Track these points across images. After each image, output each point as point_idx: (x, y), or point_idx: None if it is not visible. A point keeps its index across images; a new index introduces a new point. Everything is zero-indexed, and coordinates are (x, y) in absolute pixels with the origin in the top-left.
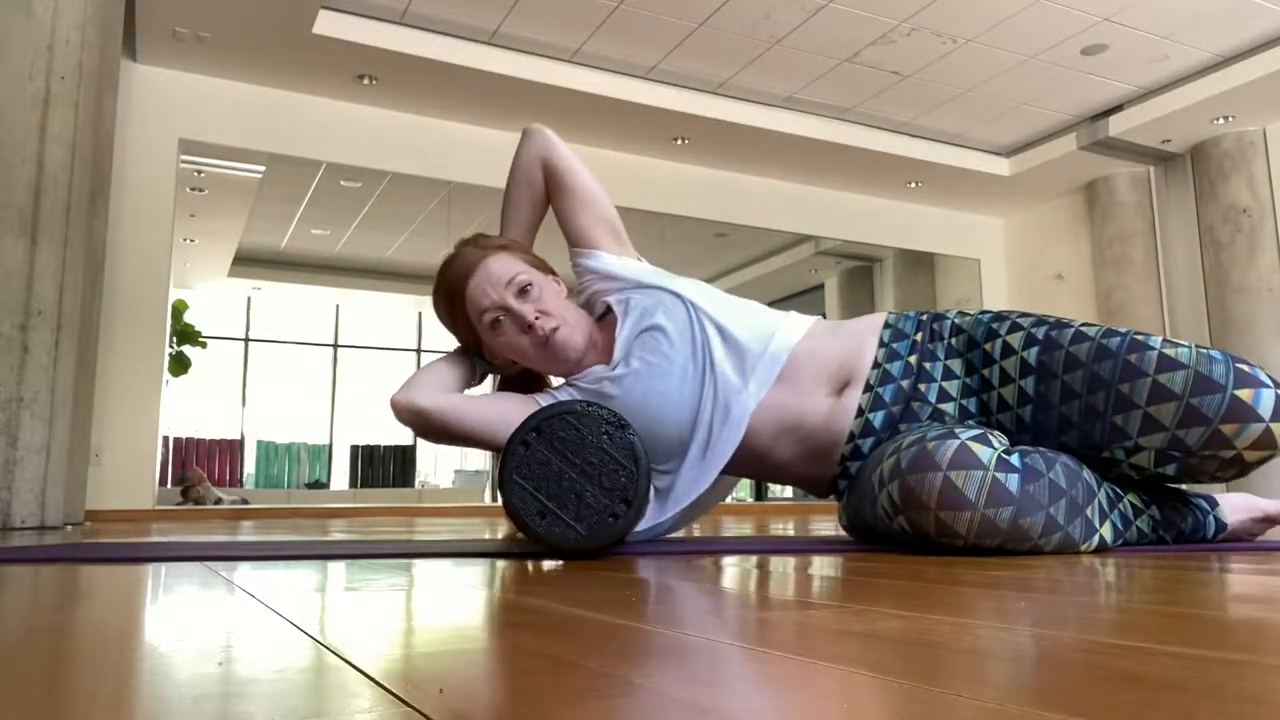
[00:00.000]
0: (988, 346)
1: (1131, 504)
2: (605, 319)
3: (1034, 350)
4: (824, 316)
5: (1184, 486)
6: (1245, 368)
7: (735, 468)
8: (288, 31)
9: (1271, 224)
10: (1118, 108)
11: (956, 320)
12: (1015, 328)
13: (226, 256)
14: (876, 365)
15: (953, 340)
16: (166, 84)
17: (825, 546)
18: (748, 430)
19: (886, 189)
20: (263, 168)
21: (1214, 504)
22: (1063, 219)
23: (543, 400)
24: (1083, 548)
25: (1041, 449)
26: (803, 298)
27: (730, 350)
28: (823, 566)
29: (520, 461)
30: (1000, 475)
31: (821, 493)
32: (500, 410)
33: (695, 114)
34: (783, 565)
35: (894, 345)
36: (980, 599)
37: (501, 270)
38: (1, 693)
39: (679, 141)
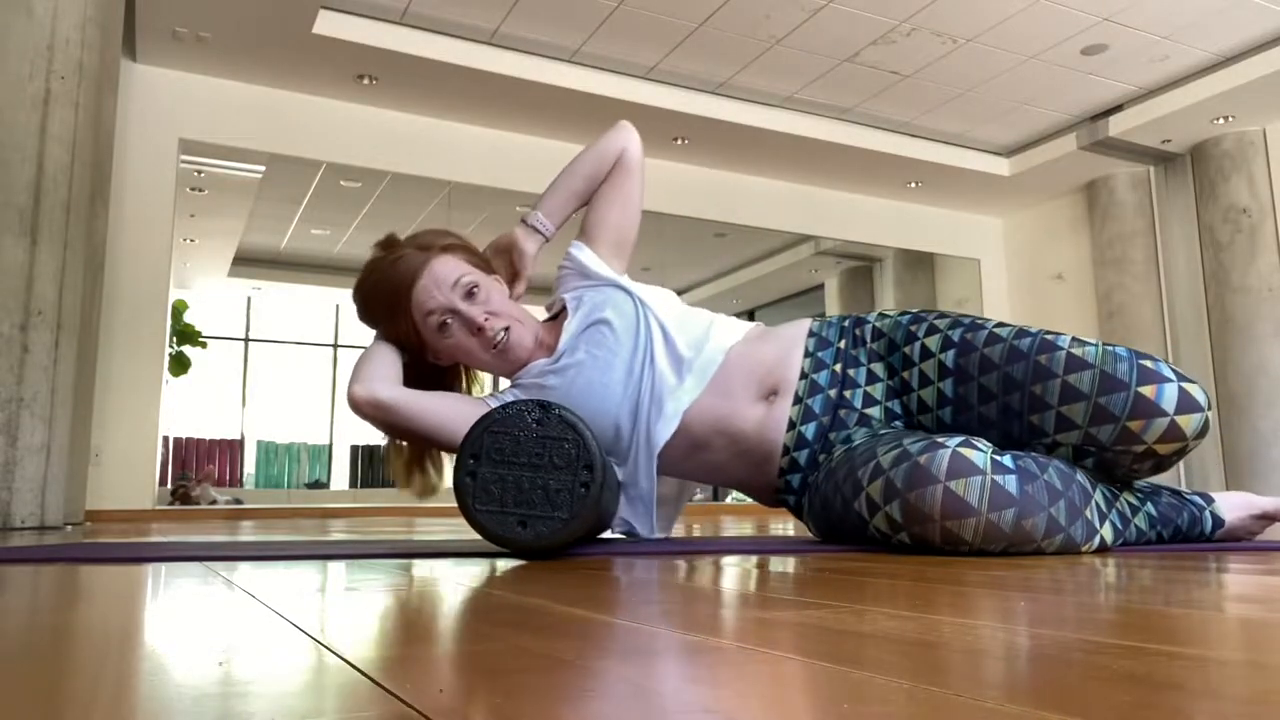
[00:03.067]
0: (906, 350)
1: (1128, 502)
2: (559, 317)
3: (950, 353)
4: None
5: (1181, 488)
6: (1149, 364)
7: (678, 466)
8: (288, 31)
9: (1271, 224)
10: (1118, 108)
11: (877, 324)
12: (932, 330)
13: (226, 256)
14: (804, 376)
15: (874, 345)
16: (166, 84)
17: (825, 547)
18: (681, 426)
19: (886, 189)
20: (263, 168)
21: (1209, 500)
22: (1063, 219)
23: (491, 404)
24: (1084, 548)
25: (1032, 454)
26: (803, 298)
27: (670, 352)
28: (823, 566)
29: (476, 494)
30: (998, 478)
31: (765, 501)
32: (456, 409)
33: (695, 114)
34: (783, 565)
35: (819, 354)
36: (981, 599)
37: (447, 273)
38: (1, 693)
39: (679, 141)
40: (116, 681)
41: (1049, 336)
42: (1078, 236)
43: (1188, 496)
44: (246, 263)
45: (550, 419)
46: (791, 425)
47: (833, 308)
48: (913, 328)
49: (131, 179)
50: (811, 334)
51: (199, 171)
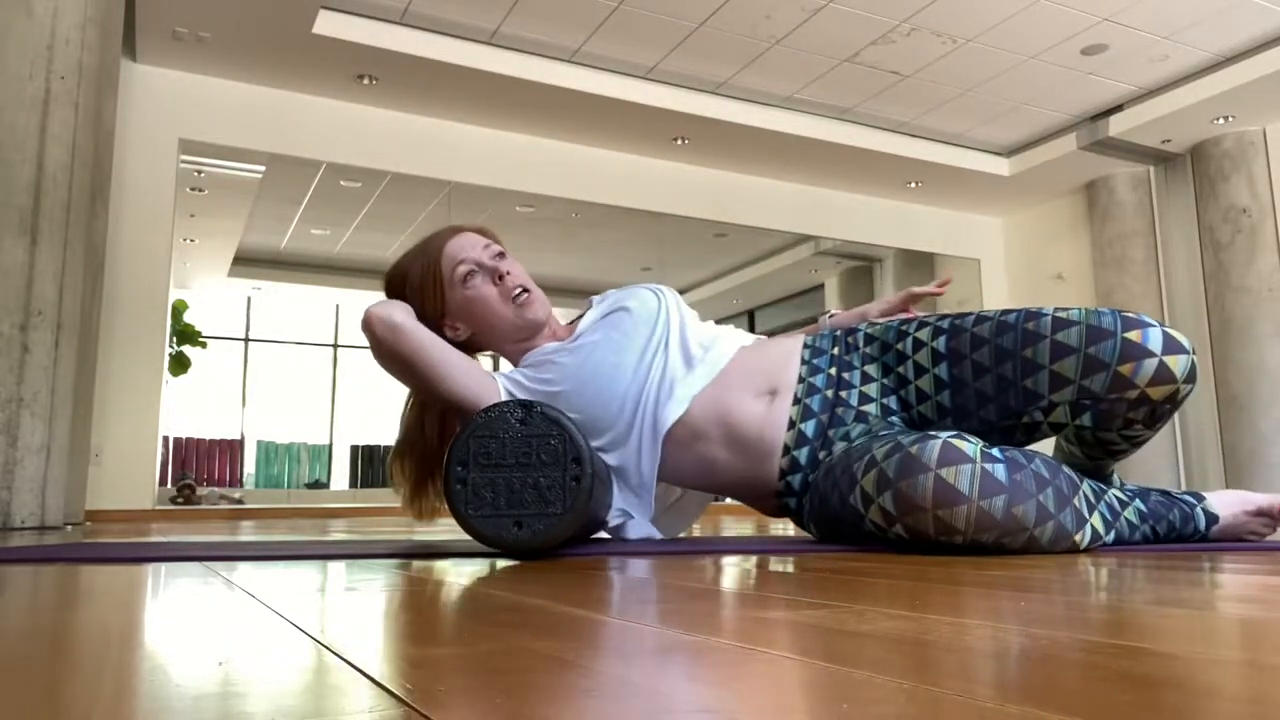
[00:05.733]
0: (899, 346)
1: (1116, 497)
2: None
3: (942, 339)
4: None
5: (1171, 488)
6: (1132, 315)
7: (675, 456)
8: (288, 31)
9: (1271, 224)
10: (1118, 108)
11: (868, 330)
12: (922, 324)
13: (226, 256)
14: (801, 380)
15: (867, 349)
16: (166, 84)
17: (824, 547)
18: (686, 413)
19: (886, 189)
20: (263, 168)
21: (1199, 498)
22: (1063, 219)
23: (500, 380)
24: (1077, 538)
25: (1018, 449)
26: (803, 298)
27: (682, 345)
28: (822, 567)
29: (467, 500)
30: (987, 465)
31: (768, 509)
32: (460, 359)
33: (695, 114)
34: (782, 565)
35: (814, 361)
36: (979, 599)
37: (480, 239)
38: (1, 693)
39: (679, 141)
40: (116, 681)
41: (1033, 309)
42: (1078, 236)
43: (1177, 495)
44: (246, 263)
45: (534, 417)
46: (792, 424)
47: (833, 307)
48: (903, 327)
49: (131, 179)
50: (806, 345)
51: (199, 171)
